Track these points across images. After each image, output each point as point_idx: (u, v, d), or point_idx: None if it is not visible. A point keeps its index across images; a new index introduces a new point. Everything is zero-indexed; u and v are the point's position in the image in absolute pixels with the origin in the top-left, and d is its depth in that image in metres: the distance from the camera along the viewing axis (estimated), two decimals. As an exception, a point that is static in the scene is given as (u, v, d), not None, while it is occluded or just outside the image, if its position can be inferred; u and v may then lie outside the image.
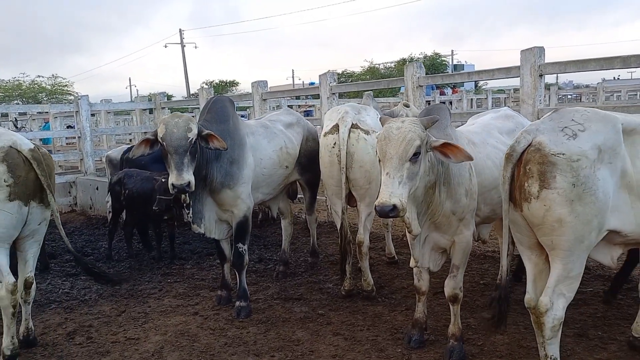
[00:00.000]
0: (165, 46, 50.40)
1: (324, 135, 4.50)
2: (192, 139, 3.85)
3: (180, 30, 47.61)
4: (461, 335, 3.60)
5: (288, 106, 9.96)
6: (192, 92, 46.10)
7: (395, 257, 5.70)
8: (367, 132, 4.39)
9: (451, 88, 28.61)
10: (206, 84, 47.22)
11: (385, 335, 3.97)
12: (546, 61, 5.24)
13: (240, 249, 4.43)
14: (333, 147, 4.39)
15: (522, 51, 5.29)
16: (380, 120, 3.23)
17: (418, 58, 42.31)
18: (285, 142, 4.89)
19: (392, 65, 44.20)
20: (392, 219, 5.36)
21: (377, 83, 8.67)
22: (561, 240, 2.78)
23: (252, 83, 8.40)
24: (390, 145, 2.91)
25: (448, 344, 3.59)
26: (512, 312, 4.23)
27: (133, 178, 5.93)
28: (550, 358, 2.94)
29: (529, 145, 2.83)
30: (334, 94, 7.30)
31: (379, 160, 3.02)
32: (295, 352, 3.76)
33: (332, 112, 4.67)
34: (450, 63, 49.81)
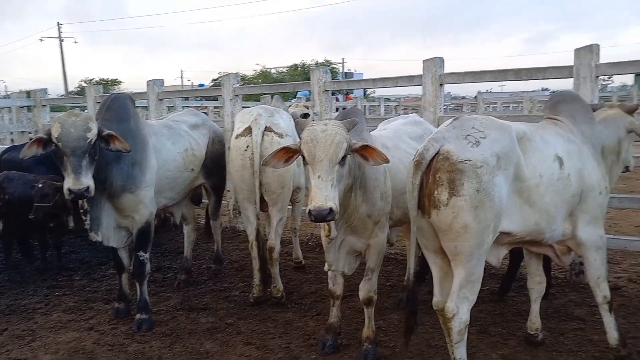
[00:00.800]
0: (41, 39, 46.87)
1: (236, 138, 4.34)
2: (92, 139, 3.54)
3: (58, 23, 44.70)
4: (375, 337, 3.62)
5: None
6: (69, 89, 43.38)
7: (303, 261, 5.64)
8: (280, 136, 4.30)
9: (344, 94, 29.32)
10: (85, 82, 44.55)
11: (298, 342, 3.89)
12: (445, 71, 5.47)
13: (142, 258, 4.13)
14: (245, 150, 4.24)
15: (424, 61, 5.48)
16: (297, 123, 3.15)
17: (310, 64, 43.10)
18: (191, 144, 4.66)
19: (285, 70, 44.65)
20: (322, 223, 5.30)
21: (283, 86, 8.61)
22: (465, 246, 2.85)
23: (147, 81, 7.95)
24: (319, 148, 2.84)
25: (362, 347, 3.59)
26: (419, 312, 4.36)
27: (14, 182, 5.33)
28: None
29: (437, 153, 2.88)
30: (237, 95, 7.11)
31: (305, 164, 2.94)
32: (204, 365, 3.56)
33: (244, 114, 4.52)
34: (341, 71, 51.19)
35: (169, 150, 4.39)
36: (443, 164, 2.84)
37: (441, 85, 5.47)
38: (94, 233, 3.91)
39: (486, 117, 3.14)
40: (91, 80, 46.27)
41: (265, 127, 4.28)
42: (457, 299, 2.93)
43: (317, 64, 43.37)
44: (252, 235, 4.47)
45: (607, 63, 4.54)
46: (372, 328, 3.60)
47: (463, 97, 36.00)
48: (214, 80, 46.11)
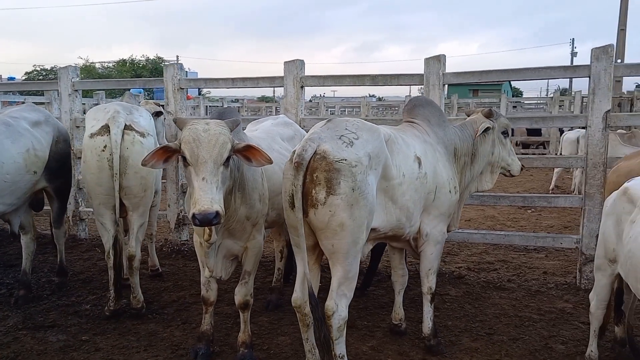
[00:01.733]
0: None
1: (91, 137, 3.94)
2: None
3: None
4: (251, 342, 3.56)
5: None
6: None
7: (160, 269, 5.35)
8: (142, 134, 4.04)
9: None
10: None
11: (166, 353, 3.67)
12: (306, 74, 5.59)
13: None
14: (103, 151, 3.89)
15: (285, 62, 5.54)
16: (176, 121, 2.98)
17: (140, 60, 41.20)
18: (33, 143, 4.16)
19: (111, 65, 42.09)
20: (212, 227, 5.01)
21: (132, 82, 8.08)
22: (341, 244, 2.94)
23: None
24: (202, 148, 2.72)
25: (238, 352, 3.52)
26: (289, 312, 4.40)
27: None
28: (339, 356, 3.07)
29: (315, 153, 2.93)
30: (76, 90, 6.51)
31: (186, 165, 2.78)
32: (62, 389, 3.19)
33: (98, 111, 4.13)
34: (176, 66, 49.74)
35: (8, 150, 3.87)
36: (320, 164, 2.89)
37: (302, 87, 5.57)
38: None
39: (357, 119, 3.27)
40: None
41: (125, 126, 3.97)
42: (337, 297, 3.01)
43: (147, 60, 41.60)
44: (108, 244, 4.12)
45: (452, 72, 5.01)
46: (248, 332, 3.55)
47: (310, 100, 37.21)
48: (27, 73, 41.75)
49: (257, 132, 3.96)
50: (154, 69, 40.05)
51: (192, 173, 2.79)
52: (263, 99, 38.59)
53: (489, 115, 3.84)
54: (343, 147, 2.95)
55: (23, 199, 4.22)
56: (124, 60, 41.84)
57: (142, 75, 39.82)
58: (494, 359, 3.60)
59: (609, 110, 4.64)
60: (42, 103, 12.73)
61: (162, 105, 5.89)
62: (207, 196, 2.70)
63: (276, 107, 21.95)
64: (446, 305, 4.52)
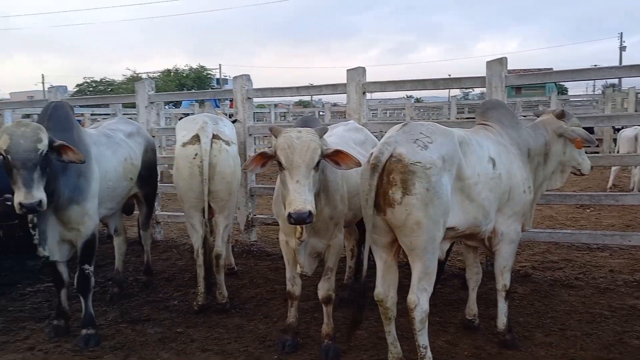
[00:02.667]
0: None
1: (183, 146, 4.31)
2: (43, 150, 3.37)
3: None
4: (334, 334, 3.81)
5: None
6: None
7: (235, 267, 5.68)
8: (227, 143, 4.37)
9: (230, 101, 29.15)
10: None
11: (255, 345, 3.96)
12: (368, 80, 5.83)
13: (87, 271, 3.97)
14: (194, 159, 4.23)
15: (348, 70, 5.80)
16: (271, 130, 3.27)
17: (183, 70, 42.22)
18: (129, 153, 4.55)
19: (157, 75, 43.27)
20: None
21: (203, 93, 8.54)
22: (419, 241, 3.16)
23: (49, 87, 7.57)
24: (296, 153, 2.99)
25: (322, 343, 3.76)
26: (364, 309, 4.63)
27: None
28: (422, 347, 3.28)
29: (391, 156, 3.16)
30: (152, 102, 6.95)
31: (281, 169, 3.06)
32: (167, 374, 3.53)
33: (187, 122, 4.50)
34: (219, 76, 50.77)
35: (110, 159, 4.25)
36: (396, 166, 3.12)
37: (364, 93, 5.82)
38: (42, 248, 3.70)
39: (431, 123, 3.48)
40: None
41: (213, 135, 4.30)
42: (417, 291, 3.22)
43: (190, 69, 42.65)
44: (197, 244, 4.46)
45: (514, 74, 5.15)
46: (331, 325, 3.79)
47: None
48: (78, 85, 43.50)
49: (332, 138, 4.21)
50: (197, 77, 41.02)
51: (286, 176, 3.07)
52: (300, 103, 38.91)
53: (561, 116, 3.97)
54: (418, 150, 3.16)
55: (120, 203, 4.63)
56: (169, 70, 43.01)
57: (186, 84, 40.87)
58: (569, 353, 3.71)
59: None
60: (108, 114, 13.47)
61: (230, 115, 6.24)
62: (301, 197, 2.98)
63: (319, 112, 22.26)
64: (515, 302, 4.65)
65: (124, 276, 5.24)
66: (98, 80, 43.49)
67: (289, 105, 26.67)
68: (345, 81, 5.84)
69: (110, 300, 4.87)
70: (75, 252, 4.02)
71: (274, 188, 7.21)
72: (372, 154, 3.23)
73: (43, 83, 55.64)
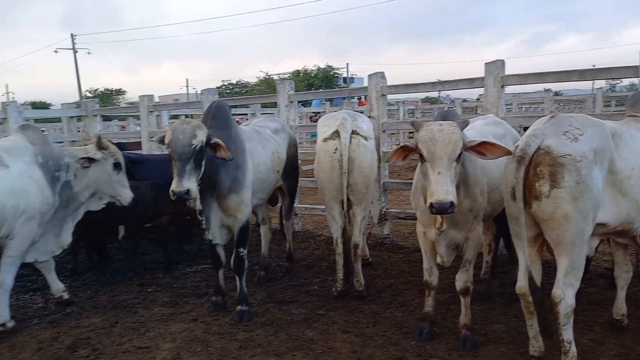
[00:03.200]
0: (56, 51, 47.34)
1: (324, 141, 4.60)
2: (197, 145, 3.82)
3: (72, 35, 45.38)
4: (472, 325, 3.87)
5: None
6: (73, 100, 43.85)
7: (370, 258, 5.89)
8: (365, 138, 4.59)
9: (358, 99, 29.61)
10: (90, 92, 45.23)
11: (392, 330, 4.14)
12: (507, 73, 5.73)
13: (242, 254, 4.42)
14: (334, 153, 4.51)
15: (486, 64, 5.75)
16: (413, 124, 3.42)
17: (312, 70, 43.33)
18: (276, 148, 4.95)
19: (288, 77, 44.87)
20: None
21: (339, 92, 8.97)
22: (566, 235, 3.11)
23: (139, 96, 9.00)
24: (437, 146, 3.12)
25: (460, 333, 3.84)
26: (498, 303, 4.62)
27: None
28: (567, 341, 3.24)
29: (538, 148, 3.14)
30: (292, 102, 7.42)
31: (423, 161, 3.21)
32: (313, 350, 3.83)
33: (328, 119, 4.80)
34: (347, 75, 51.53)
35: (260, 153, 4.67)
36: (544, 158, 3.10)
37: (503, 87, 5.73)
38: (208, 232, 4.21)
39: (581, 115, 3.40)
40: (96, 90, 46.90)
41: (352, 131, 4.55)
42: (563, 286, 3.19)
43: (319, 69, 43.67)
44: (336, 233, 4.73)
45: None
46: (469, 316, 3.85)
47: (464, 100, 36.14)
48: (217, 87, 46.53)
49: (471, 132, 4.24)
50: (324, 77, 41.97)
51: (428, 168, 3.19)
52: (427, 100, 38.24)
53: None
54: (567, 143, 3.12)
55: (268, 194, 5.07)
56: (298, 71, 44.47)
57: (314, 84, 42.05)
58: None
59: None
60: (246, 114, 14.43)
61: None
62: (443, 188, 3.09)
63: (448, 107, 21.85)
64: (670, 305, 4.35)
65: (268, 261, 5.69)
66: (234, 82, 46.29)
67: (417, 101, 26.42)
68: (482, 75, 5.79)
69: (257, 282, 5.33)
70: (231, 237, 4.49)
71: (405, 183, 7.40)
72: (517, 146, 3.25)
73: (187, 86, 60.65)
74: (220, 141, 3.97)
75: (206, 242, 4.37)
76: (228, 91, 45.00)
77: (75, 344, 4.00)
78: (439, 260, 3.74)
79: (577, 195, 3.06)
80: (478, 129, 4.34)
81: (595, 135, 3.19)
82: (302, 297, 4.94)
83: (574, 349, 3.25)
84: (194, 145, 3.81)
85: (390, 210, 6.99)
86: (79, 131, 10.73)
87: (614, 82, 33.77)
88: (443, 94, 42.25)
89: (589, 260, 4.82)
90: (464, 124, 3.35)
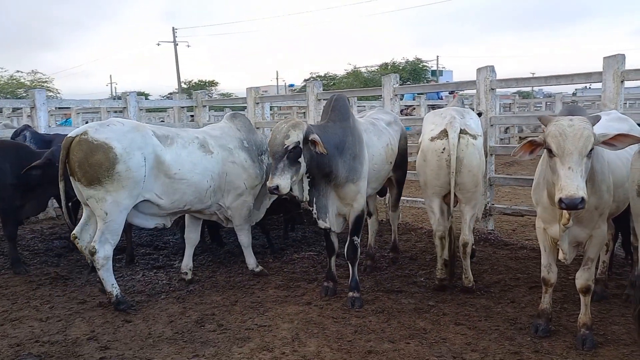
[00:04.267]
0: (158, 44, 50.05)
1: (431, 140, 4.60)
2: (289, 146, 4.00)
3: (173, 28, 47.76)
4: (591, 325, 3.80)
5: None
6: (169, 90, 45.79)
7: (475, 252, 5.85)
8: (474, 137, 4.57)
9: (450, 93, 29.01)
10: (185, 84, 47.25)
11: (505, 325, 4.14)
12: (627, 68, 5.48)
13: (356, 242, 4.59)
14: (442, 152, 4.52)
15: (604, 58, 5.53)
16: (540, 119, 3.41)
17: (400, 63, 42.64)
18: (390, 140, 5.06)
19: (375, 69, 44.38)
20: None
21: (446, 85, 8.94)
22: None
23: (247, 88, 9.37)
24: (568, 141, 3.11)
25: (579, 332, 3.78)
26: (615, 304, 4.48)
27: None
28: None
29: None
30: (396, 95, 7.49)
31: (551, 156, 3.20)
32: (427, 339, 3.92)
33: (435, 116, 4.83)
34: (437, 67, 50.45)
35: (375, 145, 4.80)
36: None
37: (622, 81, 5.49)
38: (322, 220, 4.44)
39: None
40: (190, 81, 48.99)
41: (460, 130, 4.52)
42: None
43: (407, 62, 42.93)
44: (434, 225, 4.82)
45: None
46: (588, 315, 3.78)
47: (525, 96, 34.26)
48: (305, 80, 47.14)
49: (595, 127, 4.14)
50: (413, 70, 41.29)
51: (557, 163, 3.18)
52: (520, 94, 36.64)
53: None
54: None
55: (381, 184, 5.21)
56: (386, 63, 43.97)
57: (402, 77, 41.59)
58: None
59: None
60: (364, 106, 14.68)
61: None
62: (574, 183, 3.07)
63: (546, 102, 20.92)
64: None
65: (374, 251, 5.83)
66: (322, 75, 46.67)
67: (514, 96, 25.48)
68: (600, 69, 5.58)
69: (364, 271, 5.48)
70: (346, 225, 4.67)
71: (513, 178, 7.25)
72: None
73: (277, 78, 62.11)
74: (316, 137, 4.09)
75: (319, 230, 4.56)
76: None
77: (202, 319, 4.35)
78: (560, 256, 3.69)
79: None
80: (602, 125, 4.19)
81: None
82: (410, 287, 5.03)
83: None
84: (286, 145, 4.02)
85: (495, 205, 6.90)
86: (191, 121, 11.35)
87: None
88: (536, 88, 40.55)
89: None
90: (595, 119, 3.30)
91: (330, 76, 46.13)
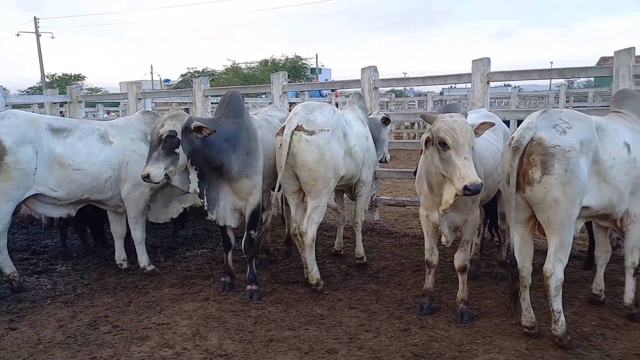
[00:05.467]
0: (18, 34, 45.93)
1: (277, 136, 4.72)
2: (163, 134, 4.09)
3: (35, 18, 44.00)
4: (468, 300, 4.23)
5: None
6: (31, 85, 42.48)
7: (365, 258, 5.80)
8: (311, 133, 4.55)
9: (332, 91, 29.93)
10: (48, 77, 44.15)
11: (394, 306, 4.47)
12: (492, 70, 6.12)
13: (253, 236, 4.68)
14: (279, 148, 4.60)
15: (473, 60, 6.12)
16: (424, 117, 3.74)
17: (280, 60, 43.12)
18: (282, 136, 5.18)
19: (255, 65, 44.42)
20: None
21: (332, 84, 9.22)
22: (556, 217, 3.51)
23: (127, 84, 9.24)
24: (459, 134, 3.46)
25: (458, 307, 4.19)
26: (487, 282, 5.02)
27: None
28: (557, 311, 3.64)
29: (531, 139, 3.52)
30: (285, 92, 7.66)
31: (445, 149, 3.53)
32: (325, 324, 4.13)
33: (290, 113, 4.95)
34: (316, 65, 51.61)
35: (270, 141, 4.90)
36: (536, 149, 3.49)
37: (488, 82, 6.12)
38: (210, 213, 4.48)
39: (570, 110, 3.79)
40: (54, 75, 45.97)
41: (297, 127, 4.55)
42: (553, 262, 3.59)
43: (287, 59, 43.46)
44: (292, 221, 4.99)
45: (645, 64, 5.25)
46: (465, 292, 4.21)
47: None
48: (182, 75, 45.99)
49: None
50: (292, 67, 41.84)
51: (452, 155, 3.50)
52: (393, 92, 38.82)
53: None
54: (557, 135, 3.50)
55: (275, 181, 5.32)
56: (266, 60, 44.08)
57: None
58: (697, 327, 3.90)
59: None
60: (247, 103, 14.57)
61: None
62: (472, 171, 3.45)
63: (418, 101, 22.46)
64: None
65: (269, 245, 5.95)
66: (200, 70, 45.70)
67: (390, 95, 26.86)
68: (470, 71, 6.16)
69: (260, 265, 5.58)
70: (242, 220, 4.74)
71: (394, 171, 7.74)
72: (512, 137, 3.62)
73: (152, 73, 59.71)
74: (200, 123, 4.20)
75: (211, 227, 4.58)
76: (193, 78, 44.33)
77: (95, 322, 4.20)
78: (443, 240, 4.07)
79: (565, 182, 3.44)
80: (473, 121, 4.69)
81: (582, 128, 3.57)
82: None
83: (562, 318, 3.65)
84: (160, 134, 4.11)
85: (380, 197, 7.33)
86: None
87: (571, 79, 35.10)
88: (407, 88, 43.09)
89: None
90: (465, 116, 3.70)
91: (208, 72, 45.27)
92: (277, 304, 4.53)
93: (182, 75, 46.54)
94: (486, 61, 6.05)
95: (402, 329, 4.04)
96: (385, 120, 5.96)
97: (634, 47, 5.28)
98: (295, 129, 4.55)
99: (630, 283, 4.09)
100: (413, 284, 4.95)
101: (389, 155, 6.40)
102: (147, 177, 4.05)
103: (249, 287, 4.67)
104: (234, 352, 3.67)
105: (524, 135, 3.56)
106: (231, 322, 4.17)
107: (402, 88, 41.68)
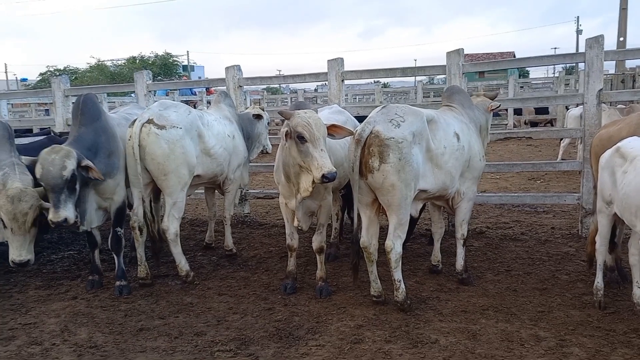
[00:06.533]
0: None
1: (128, 127, 4.74)
2: (67, 176, 4.05)
3: None
4: (326, 277, 4.70)
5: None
6: None
7: (234, 249, 5.98)
8: (161, 127, 4.63)
9: (206, 89, 29.67)
10: None
11: (261, 289, 4.82)
12: (346, 69, 6.69)
13: (119, 233, 4.77)
14: (129, 140, 4.64)
15: (328, 60, 6.64)
16: (282, 113, 4.09)
17: (149, 57, 41.85)
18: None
19: (122, 63, 42.67)
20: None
21: (198, 82, 9.27)
22: (394, 199, 4.07)
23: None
24: (315, 128, 3.84)
25: (317, 285, 4.64)
26: (345, 262, 5.53)
27: None
28: (397, 280, 4.21)
29: (370, 132, 4.05)
30: (150, 91, 7.67)
31: (303, 142, 3.88)
32: (194, 311, 4.37)
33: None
34: (187, 62, 50.62)
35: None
36: (374, 140, 4.01)
37: (342, 80, 6.68)
38: (83, 225, 4.45)
39: (405, 105, 4.36)
40: None
41: (148, 120, 4.62)
42: (393, 238, 4.14)
43: (156, 56, 42.28)
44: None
45: (469, 63, 6.09)
46: (324, 270, 4.67)
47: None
48: (41, 74, 42.89)
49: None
50: (163, 64, 40.70)
51: (310, 147, 3.86)
52: (269, 90, 39.36)
53: (494, 97, 5.02)
54: (392, 128, 4.04)
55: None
56: (134, 57, 42.43)
57: (152, 72, 40.72)
58: (512, 286, 4.68)
59: (601, 89, 5.69)
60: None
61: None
62: (328, 161, 3.84)
63: (291, 98, 23.20)
64: (471, 253, 5.61)
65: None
66: (61, 68, 42.83)
67: (262, 92, 27.30)
68: (326, 70, 6.68)
69: (130, 262, 5.63)
70: (107, 218, 4.80)
71: (264, 166, 8.08)
72: (356, 131, 4.11)
73: (6, 72, 54.77)
74: (90, 163, 4.21)
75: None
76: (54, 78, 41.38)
77: (-48, 329, 4.07)
78: (295, 223, 4.47)
79: (400, 169, 3.99)
80: (325, 117, 5.13)
81: (414, 122, 4.15)
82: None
83: (403, 285, 4.22)
84: (65, 177, 4.04)
85: (250, 191, 7.65)
86: None
87: (432, 76, 38.13)
88: (283, 85, 43.91)
89: (414, 222, 5.96)
90: (316, 112, 4.11)
91: (71, 70, 42.53)
92: (148, 297, 4.68)
93: (41, 74, 43.11)
94: (340, 61, 6.60)
95: (267, 308, 4.39)
96: (257, 116, 6.21)
97: (463, 49, 6.08)
98: (145, 122, 4.61)
99: (460, 252, 4.80)
100: (279, 269, 5.33)
101: (270, 146, 6.55)
102: (65, 222, 3.99)
103: (118, 282, 4.76)
104: (104, 343, 3.80)
105: (364, 128, 4.06)
106: (100, 316, 4.26)
107: (278, 85, 42.36)
